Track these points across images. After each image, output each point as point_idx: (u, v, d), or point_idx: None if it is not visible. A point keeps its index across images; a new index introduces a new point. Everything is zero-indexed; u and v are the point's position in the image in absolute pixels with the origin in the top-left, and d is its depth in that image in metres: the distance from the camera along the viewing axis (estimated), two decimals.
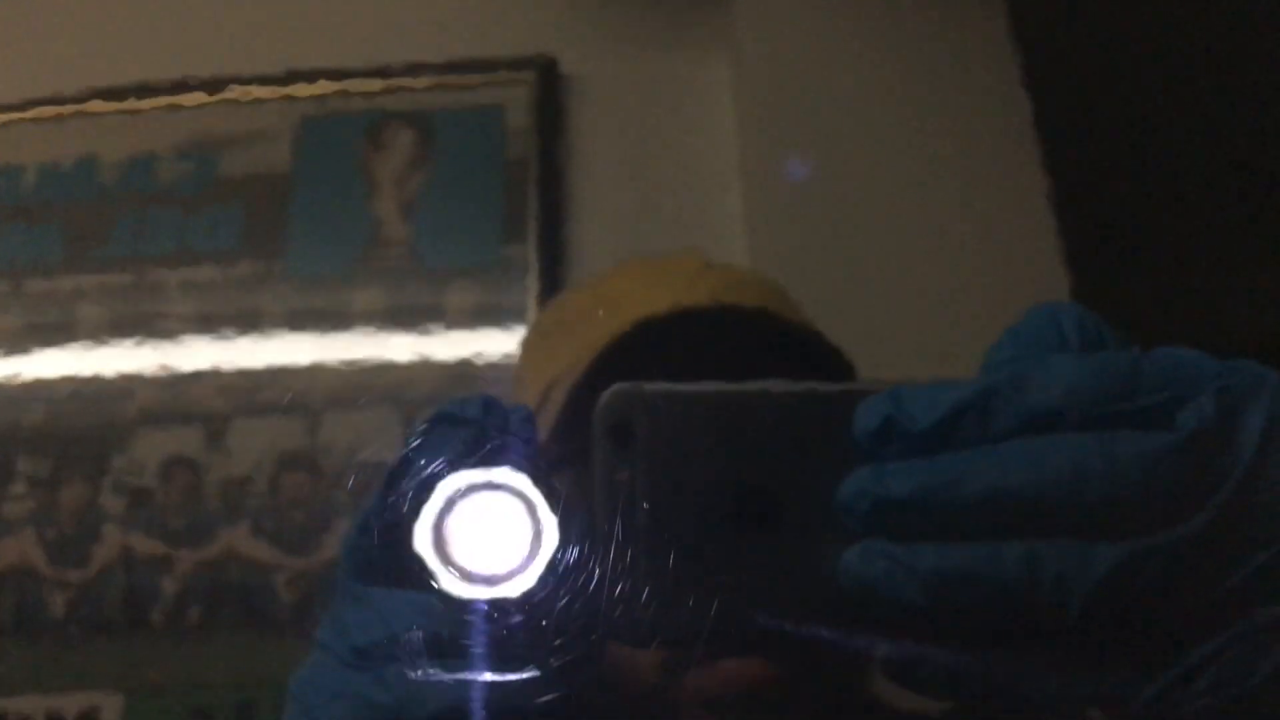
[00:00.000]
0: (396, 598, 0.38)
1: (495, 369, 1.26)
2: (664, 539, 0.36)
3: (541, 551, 0.35)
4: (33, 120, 1.45)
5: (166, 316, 1.33)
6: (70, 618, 1.21)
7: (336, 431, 1.26)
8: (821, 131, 1.32)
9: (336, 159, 1.40)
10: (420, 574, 0.35)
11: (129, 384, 1.30)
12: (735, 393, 0.38)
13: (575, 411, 0.64)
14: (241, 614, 1.20)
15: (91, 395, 1.30)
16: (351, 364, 1.29)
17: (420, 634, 0.36)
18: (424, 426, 0.38)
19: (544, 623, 0.35)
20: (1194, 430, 0.34)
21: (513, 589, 0.35)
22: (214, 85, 1.44)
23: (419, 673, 0.36)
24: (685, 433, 0.37)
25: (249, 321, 1.32)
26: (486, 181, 1.37)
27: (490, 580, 0.35)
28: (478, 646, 0.35)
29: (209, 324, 1.33)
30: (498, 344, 1.28)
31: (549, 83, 1.42)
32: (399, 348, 1.29)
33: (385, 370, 1.28)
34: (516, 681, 0.36)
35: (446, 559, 0.35)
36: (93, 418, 1.29)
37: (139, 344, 1.32)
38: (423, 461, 0.37)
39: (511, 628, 0.35)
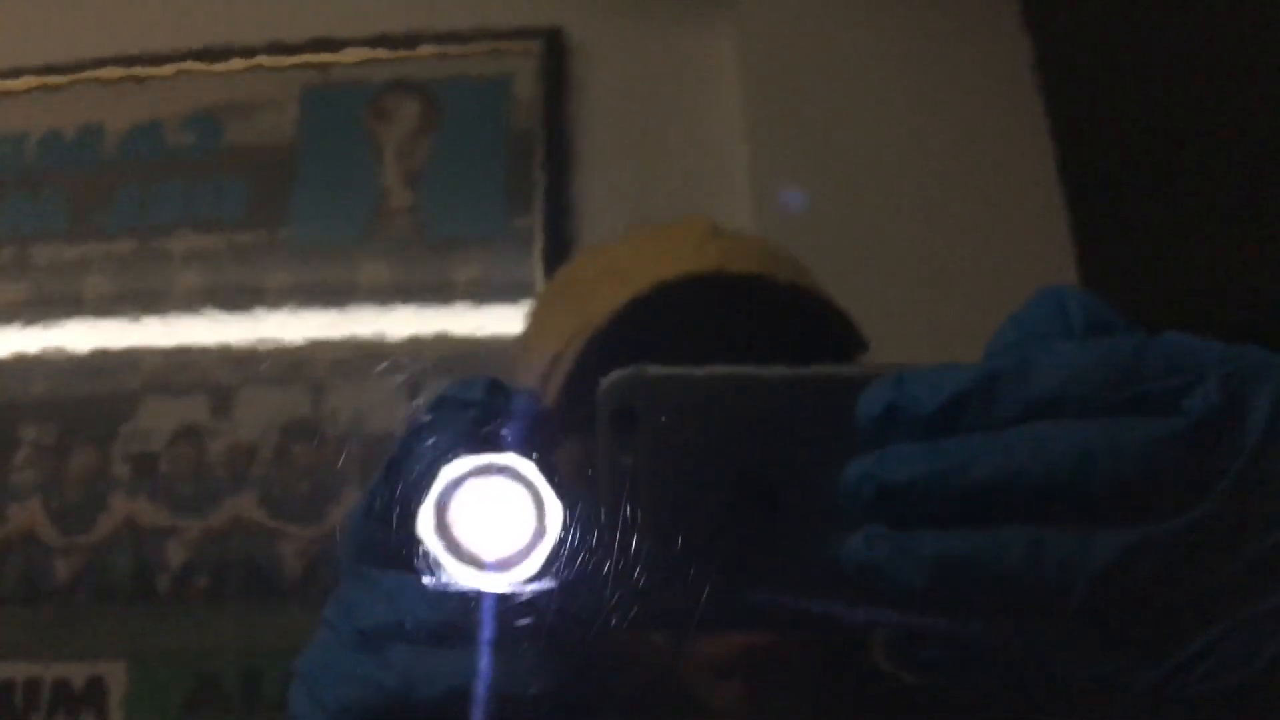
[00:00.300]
0: (401, 581, 0.38)
1: (499, 339, 1.26)
2: (667, 523, 0.36)
3: (545, 535, 0.35)
4: (37, 89, 1.45)
5: (171, 285, 1.33)
6: (76, 585, 1.21)
7: (342, 400, 1.26)
8: (827, 100, 1.32)
9: (341, 128, 1.40)
10: (423, 558, 0.35)
11: (134, 353, 1.31)
12: (739, 377, 0.38)
13: (583, 379, 0.63)
14: (248, 583, 1.21)
15: (96, 365, 1.31)
16: (357, 334, 1.29)
17: (424, 618, 0.37)
18: (428, 409, 0.38)
19: (547, 606, 0.35)
20: (1199, 416, 0.34)
21: (516, 573, 0.35)
22: (219, 54, 1.43)
23: (423, 656, 0.36)
24: (688, 417, 0.37)
25: (254, 290, 1.32)
26: (492, 152, 1.37)
27: (494, 564, 0.35)
28: (481, 630, 0.36)
29: (214, 293, 1.33)
30: (503, 312, 1.28)
31: (555, 53, 1.41)
32: (404, 316, 1.29)
33: (390, 338, 1.29)
34: (520, 665, 0.36)
35: (450, 543, 0.35)
36: (98, 387, 1.30)
37: (144, 313, 1.32)
38: (427, 444, 0.37)
39: (515, 611, 0.35)
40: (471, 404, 0.38)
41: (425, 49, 1.41)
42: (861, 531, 0.35)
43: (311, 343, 1.29)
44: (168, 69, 1.44)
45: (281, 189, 1.38)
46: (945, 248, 1.21)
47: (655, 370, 0.37)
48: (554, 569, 0.35)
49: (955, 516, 0.34)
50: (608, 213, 1.34)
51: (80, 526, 1.24)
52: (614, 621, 0.36)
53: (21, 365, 1.32)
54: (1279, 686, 0.33)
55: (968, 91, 1.30)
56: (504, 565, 0.35)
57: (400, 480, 0.37)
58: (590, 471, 0.37)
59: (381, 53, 1.42)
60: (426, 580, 0.36)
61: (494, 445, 0.36)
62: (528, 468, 0.36)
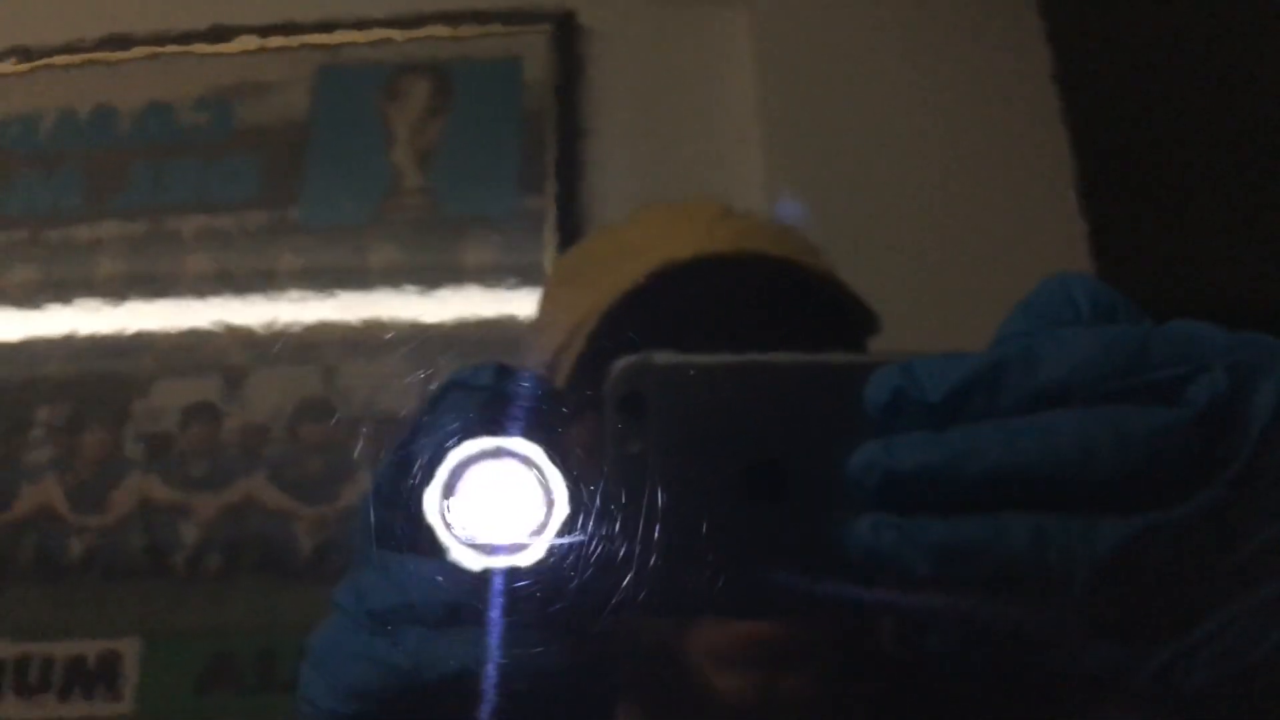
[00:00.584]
0: (410, 564, 0.38)
1: (511, 320, 1.26)
2: (675, 510, 0.36)
3: (553, 520, 0.36)
4: (50, 68, 1.45)
5: (183, 266, 1.34)
6: (91, 563, 1.22)
7: (354, 380, 1.27)
8: (840, 81, 1.31)
9: (353, 109, 1.40)
10: (431, 542, 0.35)
11: (147, 333, 1.31)
12: (746, 364, 0.38)
13: (595, 358, 0.63)
14: (262, 561, 1.21)
15: (109, 345, 1.31)
16: (368, 314, 1.29)
17: (434, 600, 0.37)
18: (436, 393, 0.38)
19: (555, 591, 0.36)
20: (1204, 405, 0.34)
21: (524, 558, 0.35)
22: (231, 34, 1.43)
23: (433, 637, 0.37)
24: (696, 404, 0.37)
25: (265, 271, 1.33)
26: (504, 133, 1.37)
27: (501, 549, 0.35)
28: (490, 614, 0.36)
29: (226, 273, 1.33)
30: (515, 293, 1.28)
31: (567, 34, 1.41)
32: (416, 296, 1.30)
33: (403, 318, 1.29)
34: (528, 647, 0.36)
35: (457, 526, 0.35)
36: (111, 367, 1.30)
37: (156, 293, 1.33)
38: (435, 428, 0.37)
39: (523, 596, 0.36)
40: (480, 388, 0.38)
41: (438, 30, 1.41)
42: (867, 518, 0.35)
43: (323, 323, 1.29)
44: (180, 49, 1.44)
45: (293, 169, 1.38)
46: (959, 236, 1.21)
47: (663, 357, 0.38)
48: (561, 553, 0.35)
49: (961, 504, 0.34)
50: (619, 194, 1.34)
51: (94, 505, 1.25)
52: (621, 606, 0.36)
53: (35, 345, 1.32)
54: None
55: (982, 76, 1.29)
56: (511, 549, 0.35)
57: (409, 463, 0.37)
58: (601, 452, 0.37)
59: (394, 33, 1.42)
60: (435, 563, 0.36)
61: (502, 429, 0.37)
62: (535, 451, 0.36)
